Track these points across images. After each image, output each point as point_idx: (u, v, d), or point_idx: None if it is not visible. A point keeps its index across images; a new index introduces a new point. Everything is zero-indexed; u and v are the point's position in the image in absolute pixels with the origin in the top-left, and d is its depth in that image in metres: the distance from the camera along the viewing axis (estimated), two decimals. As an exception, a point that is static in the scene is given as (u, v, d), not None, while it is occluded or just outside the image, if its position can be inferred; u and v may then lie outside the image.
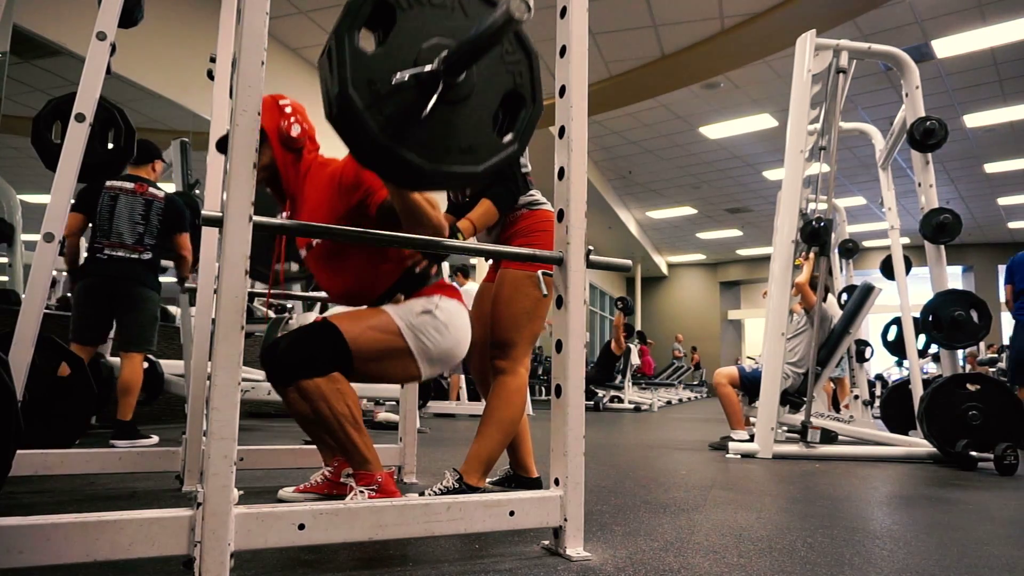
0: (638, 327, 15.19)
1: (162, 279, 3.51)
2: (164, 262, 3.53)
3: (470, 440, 1.89)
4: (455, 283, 3.22)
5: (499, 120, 1.26)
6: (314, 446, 2.41)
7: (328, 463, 1.88)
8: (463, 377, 6.59)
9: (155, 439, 3.29)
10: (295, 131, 1.73)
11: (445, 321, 1.70)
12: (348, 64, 1.08)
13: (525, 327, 1.88)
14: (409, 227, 1.53)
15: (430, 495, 1.77)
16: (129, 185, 3.30)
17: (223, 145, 1.78)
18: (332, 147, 1.49)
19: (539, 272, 1.68)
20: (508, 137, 1.26)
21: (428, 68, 1.13)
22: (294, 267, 2.16)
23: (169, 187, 4.11)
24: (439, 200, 1.57)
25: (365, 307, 1.74)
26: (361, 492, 1.63)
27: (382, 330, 1.64)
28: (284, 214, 1.85)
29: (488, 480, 1.96)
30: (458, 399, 6.51)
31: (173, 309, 5.35)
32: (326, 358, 1.59)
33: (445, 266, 4.21)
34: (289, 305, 5.11)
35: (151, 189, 3.37)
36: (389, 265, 1.72)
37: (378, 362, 1.65)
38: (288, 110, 1.74)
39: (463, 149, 1.19)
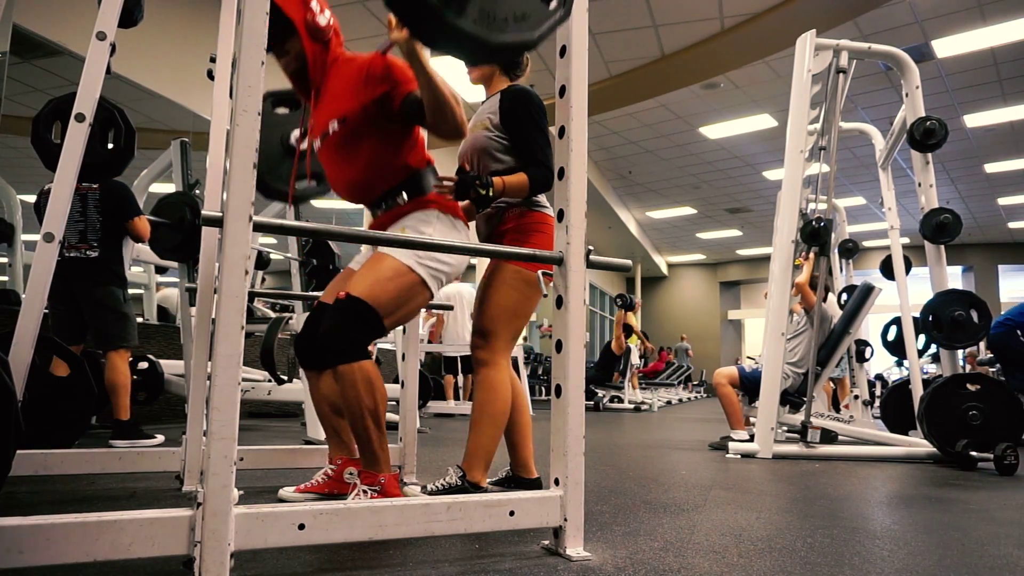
0: (639, 328, 15.16)
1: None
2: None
3: (470, 440, 1.89)
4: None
5: None
6: (314, 446, 2.42)
7: (332, 460, 1.88)
8: (461, 377, 6.62)
9: (160, 439, 3.27)
10: (322, 20, 1.75)
11: (446, 238, 1.74)
12: None
13: (508, 321, 1.88)
14: (433, 122, 1.62)
15: (432, 490, 1.78)
16: None
17: None
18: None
19: (539, 272, 1.68)
20: (553, 4, 1.30)
21: None
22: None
23: (169, 187, 4.10)
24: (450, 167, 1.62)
25: (369, 261, 1.74)
26: (364, 491, 1.63)
27: (395, 276, 1.66)
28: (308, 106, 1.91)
29: (488, 481, 1.96)
30: (456, 399, 6.53)
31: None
32: (363, 337, 1.62)
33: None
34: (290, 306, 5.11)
35: (84, 182, 3.14)
36: (401, 161, 1.76)
37: (401, 308, 1.69)
38: (313, 3, 1.76)
39: (517, 17, 1.25)
